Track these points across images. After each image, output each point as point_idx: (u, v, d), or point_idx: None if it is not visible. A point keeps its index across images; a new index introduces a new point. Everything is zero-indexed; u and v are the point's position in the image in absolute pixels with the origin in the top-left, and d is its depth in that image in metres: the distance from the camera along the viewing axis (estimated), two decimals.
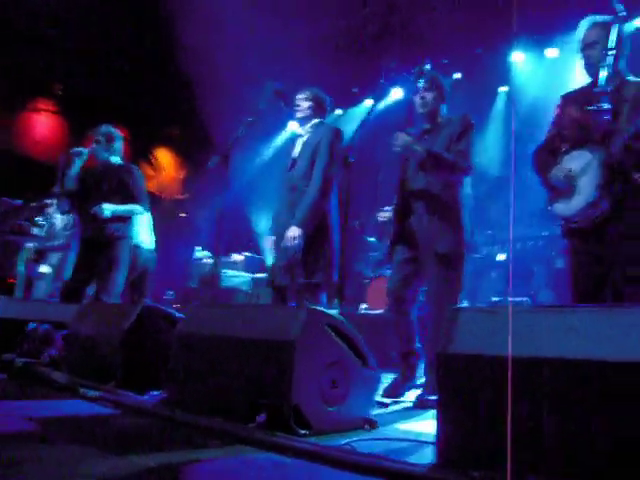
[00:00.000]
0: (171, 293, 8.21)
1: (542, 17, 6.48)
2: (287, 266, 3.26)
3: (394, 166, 3.15)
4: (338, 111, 9.12)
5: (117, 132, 4.50)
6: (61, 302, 4.17)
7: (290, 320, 2.03)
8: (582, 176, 2.49)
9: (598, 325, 1.36)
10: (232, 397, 2.10)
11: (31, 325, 3.34)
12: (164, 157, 10.70)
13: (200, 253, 7.85)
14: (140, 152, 9.95)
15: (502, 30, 6.95)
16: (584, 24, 2.66)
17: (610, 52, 2.20)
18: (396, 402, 2.83)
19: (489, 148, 7.42)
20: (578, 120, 2.62)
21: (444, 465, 1.46)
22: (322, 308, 2.19)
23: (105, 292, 4.06)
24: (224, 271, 7.05)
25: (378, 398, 2.69)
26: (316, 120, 3.52)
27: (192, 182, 10.41)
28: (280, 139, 9.55)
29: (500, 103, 8.01)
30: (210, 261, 7.25)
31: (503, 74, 7.78)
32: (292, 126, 8.53)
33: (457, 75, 7.84)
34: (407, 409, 2.74)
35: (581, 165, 2.50)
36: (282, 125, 9.32)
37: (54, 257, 6.31)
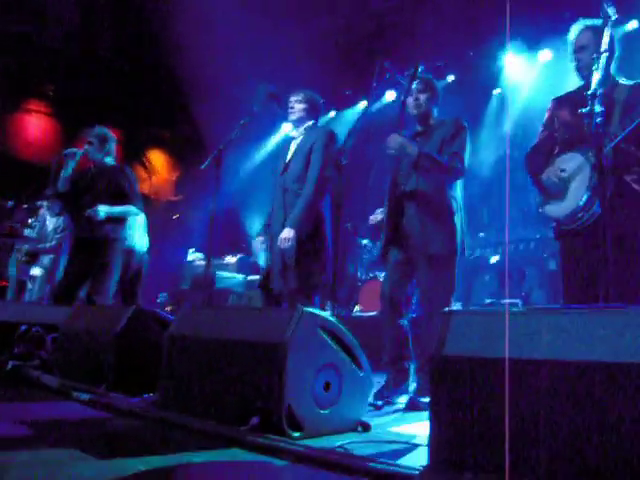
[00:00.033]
0: (164, 295, 8.18)
1: (535, 20, 6.52)
2: (280, 268, 3.26)
3: (386, 168, 3.15)
4: (331, 113, 9.15)
5: (110, 133, 4.48)
6: (52, 304, 4.15)
7: (283, 322, 2.02)
8: (574, 178, 2.51)
9: (591, 327, 1.37)
10: (224, 399, 2.09)
11: (22, 327, 3.31)
12: (157, 159, 10.68)
13: (193, 255, 7.83)
14: (133, 154, 9.93)
15: (495, 33, 6.99)
16: (575, 28, 2.68)
17: (601, 55, 2.22)
18: (389, 405, 2.83)
19: (481, 150, 7.45)
20: (570, 123, 2.63)
21: (437, 467, 1.46)
22: (315, 310, 2.19)
23: (97, 293, 4.05)
24: (217, 273, 7.03)
25: (371, 400, 2.69)
26: (310, 122, 3.53)
27: (185, 184, 10.39)
28: (273, 141, 9.54)
29: (493, 106, 8.04)
30: (203, 263, 7.22)
31: (496, 77, 7.82)
32: (285, 128, 8.54)
33: (450, 77, 7.87)
34: (400, 411, 2.74)
35: (573, 167, 2.52)
36: (275, 127, 9.32)
37: (46, 259, 6.28)
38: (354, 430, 2.12)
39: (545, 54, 7.26)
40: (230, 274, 7.23)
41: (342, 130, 3.23)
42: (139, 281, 5.91)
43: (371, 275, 6.66)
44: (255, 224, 3.60)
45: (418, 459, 1.65)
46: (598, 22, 2.46)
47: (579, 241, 2.49)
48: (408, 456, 1.77)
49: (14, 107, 8.83)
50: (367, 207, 8.90)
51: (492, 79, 7.86)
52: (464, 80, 7.76)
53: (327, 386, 2.05)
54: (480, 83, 7.91)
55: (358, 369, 2.18)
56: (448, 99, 3.55)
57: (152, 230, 6.26)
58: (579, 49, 2.62)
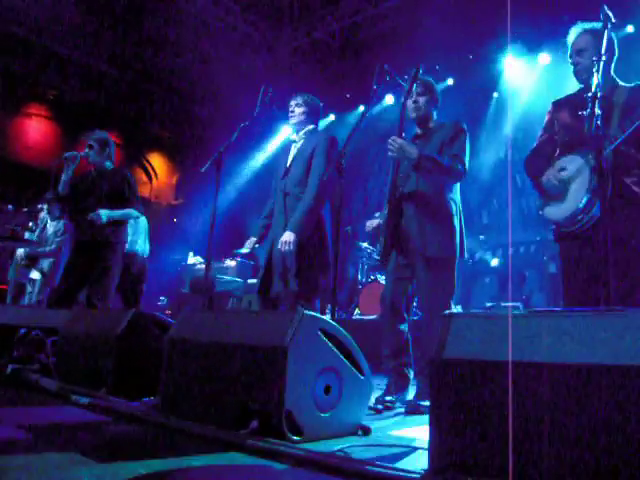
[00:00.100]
0: (163, 299, 8.18)
1: (534, 23, 6.54)
2: (280, 272, 3.25)
3: (385, 171, 3.16)
4: (331, 116, 9.16)
5: (110, 137, 4.50)
6: (50, 307, 4.15)
7: (283, 325, 2.02)
8: (573, 181, 2.51)
9: (592, 329, 1.36)
10: (224, 403, 2.09)
11: (22, 331, 3.31)
12: (157, 162, 10.69)
13: (193, 258, 7.82)
14: (133, 157, 9.95)
15: (495, 36, 7.00)
16: (574, 31, 2.68)
17: (600, 58, 2.22)
18: (389, 409, 2.82)
19: (481, 153, 7.46)
20: (570, 125, 2.64)
21: (438, 471, 1.45)
22: (315, 313, 2.18)
23: (98, 297, 4.05)
24: (217, 276, 7.03)
25: (371, 404, 2.68)
26: (310, 126, 3.53)
27: (185, 187, 10.40)
28: (274, 144, 9.56)
29: (493, 109, 8.06)
30: (203, 266, 7.22)
31: (496, 80, 7.84)
32: (285, 131, 8.55)
33: (450, 80, 7.89)
34: (400, 415, 2.74)
35: (573, 170, 2.52)
36: (276, 130, 9.33)
37: (45, 262, 6.28)
38: (354, 434, 2.11)
39: (545, 57, 7.27)
40: (230, 277, 7.23)
41: (342, 133, 3.23)
42: (140, 285, 5.92)
43: (371, 278, 6.66)
44: (255, 227, 3.60)
45: (419, 463, 1.65)
46: (597, 25, 2.46)
47: (579, 243, 2.49)
48: (408, 460, 1.77)
49: (15, 111, 8.84)
50: (367, 210, 8.91)
51: (492, 82, 7.88)
52: (464, 83, 7.78)
53: (327, 389, 2.05)
54: (480, 86, 7.93)
55: (358, 373, 2.18)
56: (448, 102, 3.56)
57: (152, 233, 6.27)
58: (578, 52, 2.63)
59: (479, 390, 1.44)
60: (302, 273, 3.20)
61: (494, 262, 6.92)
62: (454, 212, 3.04)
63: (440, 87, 3.37)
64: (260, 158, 9.64)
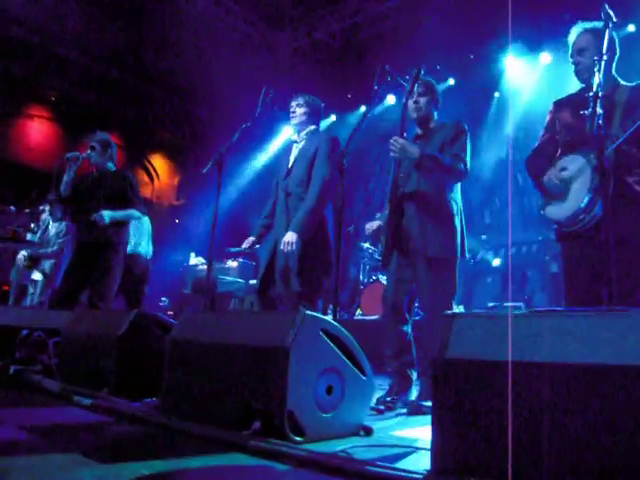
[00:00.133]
0: (165, 300, 8.18)
1: (535, 23, 6.53)
2: (282, 272, 3.25)
3: (386, 170, 3.16)
4: (332, 117, 9.16)
5: (112, 139, 4.51)
6: (52, 308, 4.15)
7: (285, 326, 2.02)
8: (575, 180, 2.51)
9: (594, 329, 1.36)
10: (226, 404, 2.09)
11: (24, 332, 3.31)
12: (159, 163, 10.70)
13: (195, 259, 7.83)
14: (134, 158, 9.95)
15: (496, 36, 7.00)
16: (575, 30, 2.68)
17: (601, 57, 2.22)
18: (391, 409, 2.81)
19: (482, 153, 7.45)
20: (571, 125, 2.63)
21: (440, 472, 1.45)
22: (317, 314, 2.18)
23: (100, 298, 4.05)
24: (219, 277, 7.03)
25: (373, 404, 2.68)
26: (311, 127, 3.53)
27: (187, 188, 10.41)
28: (275, 144, 9.56)
29: (494, 108, 8.05)
30: (204, 267, 7.22)
31: (497, 80, 7.83)
32: (287, 131, 8.56)
33: (451, 81, 7.88)
34: (402, 415, 2.73)
35: (574, 169, 2.52)
36: (277, 130, 9.33)
37: (47, 264, 6.29)
38: (356, 434, 2.11)
39: (546, 57, 7.26)
40: (232, 278, 7.23)
41: (343, 134, 3.23)
42: (143, 286, 5.92)
43: (373, 278, 6.66)
44: (255, 227, 3.61)
45: (421, 463, 1.65)
46: (598, 24, 2.46)
47: (580, 243, 2.49)
48: (411, 460, 1.76)
49: (16, 112, 8.86)
50: (369, 210, 8.91)
51: (493, 82, 7.87)
52: (465, 83, 7.77)
53: (329, 390, 2.05)
54: (481, 86, 7.92)
55: (360, 373, 2.18)
56: (449, 102, 3.56)
57: (154, 234, 6.27)
58: (579, 52, 2.63)
59: (482, 390, 1.43)
60: (304, 273, 3.20)
61: (496, 262, 6.91)
62: (455, 212, 3.04)
63: (441, 87, 3.37)
64: (261, 159, 9.64)
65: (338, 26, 8.69)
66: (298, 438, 1.88)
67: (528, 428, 1.33)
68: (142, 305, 5.78)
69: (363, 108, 8.61)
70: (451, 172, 2.98)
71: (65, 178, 4.19)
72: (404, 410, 2.81)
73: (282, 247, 3.19)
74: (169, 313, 7.26)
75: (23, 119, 8.96)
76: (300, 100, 3.52)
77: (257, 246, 3.56)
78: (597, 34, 2.44)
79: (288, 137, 4.76)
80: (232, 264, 7.36)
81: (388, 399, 2.87)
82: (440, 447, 1.48)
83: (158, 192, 10.53)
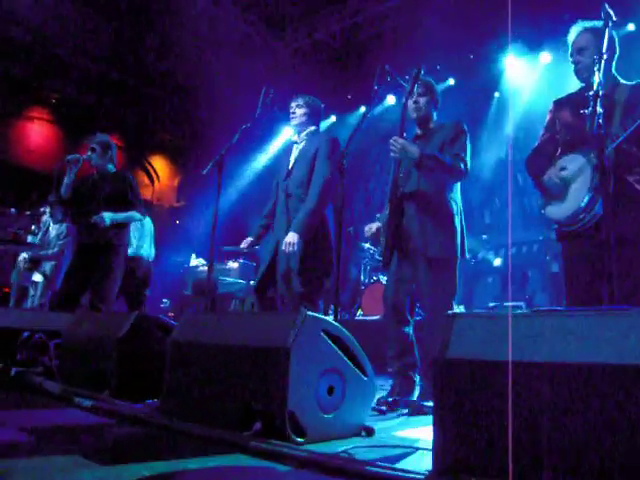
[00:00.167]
0: (166, 301, 8.18)
1: (535, 22, 6.53)
2: (284, 273, 3.25)
3: (386, 171, 3.15)
4: (332, 117, 9.16)
5: (112, 140, 4.51)
6: (53, 310, 4.15)
7: (286, 327, 2.01)
8: (575, 180, 2.51)
9: (596, 329, 1.36)
10: (228, 405, 2.09)
11: (25, 334, 3.31)
12: (159, 165, 10.71)
13: (195, 260, 7.83)
14: (135, 160, 9.96)
15: (496, 36, 7.00)
16: (574, 30, 2.68)
17: (601, 57, 2.22)
18: (392, 410, 2.81)
19: (483, 153, 7.45)
20: (571, 124, 2.63)
21: (442, 472, 1.45)
22: (318, 314, 2.18)
23: (101, 299, 4.06)
24: (220, 278, 7.03)
25: (375, 405, 2.67)
26: (312, 128, 3.53)
27: (187, 189, 10.42)
28: (275, 145, 9.56)
29: (494, 108, 8.05)
30: (205, 268, 7.23)
31: (497, 80, 7.83)
32: (287, 132, 8.56)
33: (451, 80, 7.88)
34: (404, 416, 2.73)
35: (574, 169, 2.52)
36: (277, 131, 9.33)
37: (47, 265, 6.29)
38: (358, 435, 2.11)
39: (546, 56, 7.26)
40: (232, 279, 7.23)
41: (343, 134, 3.23)
42: (145, 289, 5.92)
43: (374, 279, 6.66)
44: (254, 227, 3.61)
45: (423, 464, 1.64)
46: (598, 24, 2.46)
47: (581, 242, 2.49)
48: (412, 461, 1.76)
49: (17, 114, 8.87)
50: (369, 211, 8.91)
51: (493, 82, 7.87)
52: (465, 83, 7.77)
53: (330, 391, 2.05)
54: (481, 86, 7.92)
55: (361, 373, 2.17)
56: (449, 102, 3.56)
57: (155, 236, 6.28)
58: (578, 51, 2.62)
59: (482, 390, 1.43)
60: (306, 274, 3.20)
61: (497, 262, 6.91)
62: (455, 212, 3.04)
63: (441, 87, 3.38)
64: (262, 160, 9.64)
65: (338, 26, 8.68)
66: (299, 439, 1.88)
67: (529, 428, 1.33)
68: (144, 307, 5.78)
69: (363, 108, 8.61)
70: (451, 171, 2.98)
71: (65, 180, 4.18)
72: (405, 410, 2.80)
73: (284, 248, 3.19)
74: (170, 314, 7.26)
75: (23, 121, 8.96)
76: (300, 101, 3.53)
77: (256, 247, 3.56)
78: (597, 33, 2.44)
79: (288, 138, 4.76)
80: (233, 265, 7.36)
81: (390, 399, 2.87)
82: (441, 447, 1.47)
83: (158, 193, 10.54)
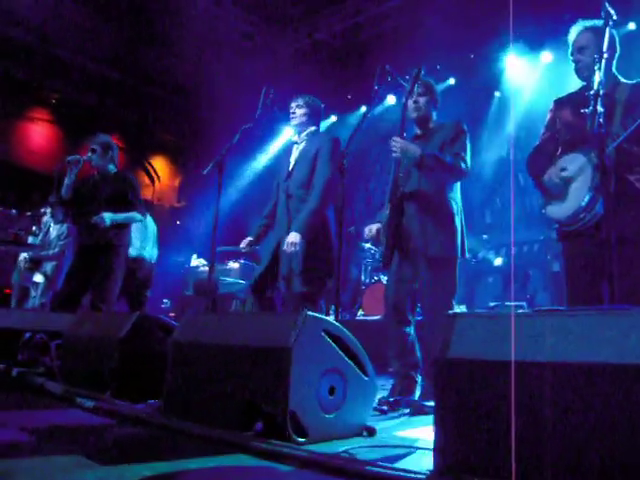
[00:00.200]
0: (167, 301, 8.18)
1: (536, 22, 6.52)
2: (285, 273, 3.25)
3: (386, 170, 3.15)
4: (332, 117, 9.16)
5: (113, 141, 4.51)
6: (54, 310, 4.15)
7: (287, 327, 2.02)
8: (576, 179, 2.50)
9: (597, 328, 1.36)
10: (229, 405, 2.09)
11: (26, 335, 3.32)
12: (159, 165, 10.71)
13: (196, 261, 7.83)
14: (135, 160, 9.96)
15: (496, 35, 6.99)
16: (575, 29, 2.68)
17: (602, 56, 2.21)
18: (393, 409, 2.81)
19: (483, 152, 7.45)
20: (572, 124, 2.63)
21: (443, 472, 1.45)
22: (319, 314, 2.18)
23: (102, 300, 4.06)
24: (221, 278, 7.03)
25: (376, 405, 2.67)
26: (312, 128, 3.53)
27: (187, 190, 10.42)
28: (276, 145, 9.56)
29: (495, 108, 8.04)
30: (206, 268, 7.23)
31: (498, 79, 7.82)
32: (288, 132, 8.56)
33: (452, 80, 7.87)
34: (405, 416, 2.73)
35: (575, 168, 2.51)
36: (277, 131, 9.33)
37: (48, 266, 6.29)
38: (359, 435, 2.11)
39: (547, 55, 7.25)
40: (233, 279, 7.23)
41: (343, 134, 3.23)
42: (146, 290, 5.92)
43: (375, 279, 6.65)
44: (254, 227, 3.61)
45: (424, 464, 1.64)
46: (598, 23, 2.46)
47: (581, 242, 2.49)
48: (414, 461, 1.76)
49: (17, 115, 8.87)
50: (369, 210, 8.90)
51: (494, 81, 7.86)
52: (465, 82, 7.76)
53: (332, 391, 2.05)
54: (482, 85, 7.91)
55: (362, 373, 2.17)
56: (450, 101, 3.56)
57: (158, 237, 6.28)
58: (579, 50, 2.62)
59: (484, 390, 1.43)
60: (307, 274, 3.20)
61: (497, 261, 6.90)
62: (455, 211, 3.04)
63: (442, 87, 3.39)
64: (262, 160, 9.64)
65: (339, 26, 8.68)
66: (300, 439, 1.88)
67: (530, 428, 1.33)
68: (145, 308, 5.78)
69: (363, 108, 8.60)
70: (452, 171, 2.98)
71: (66, 181, 4.19)
72: (407, 410, 2.80)
73: (285, 248, 3.19)
74: (171, 315, 7.26)
75: (24, 122, 8.97)
76: (300, 101, 3.53)
77: (256, 247, 3.56)
78: (597, 32, 2.43)
79: (289, 138, 4.77)
80: (233, 265, 7.36)
81: (391, 399, 2.87)
82: (443, 447, 1.47)
83: (159, 194, 10.54)
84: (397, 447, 1.94)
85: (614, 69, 2.60)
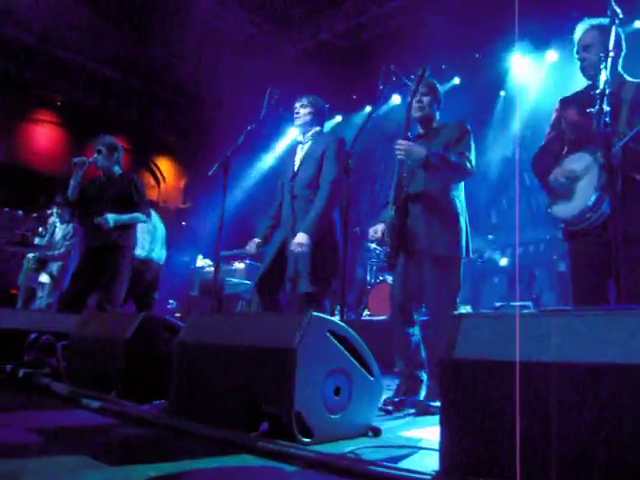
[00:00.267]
0: (173, 302, 8.20)
1: (541, 21, 6.50)
2: (292, 274, 3.25)
3: (391, 171, 3.15)
4: (337, 117, 9.16)
5: (118, 142, 4.53)
6: (60, 311, 4.17)
7: (292, 327, 2.01)
8: (581, 178, 2.49)
9: (603, 328, 1.35)
10: (234, 406, 2.09)
11: (32, 335, 3.33)
12: (165, 166, 10.74)
13: (201, 261, 7.85)
14: (141, 162, 9.99)
15: (501, 34, 6.97)
16: (580, 27, 2.66)
17: (608, 54, 2.20)
18: (399, 409, 2.80)
19: (489, 152, 7.43)
20: (577, 123, 2.62)
21: (449, 472, 1.45)
22: (324, 315, 2.18)
23: (108, 301, 4.07)
24: (226, 279, 7.04)
25: (381, 405, 2.67)
26: (316, 128, 3.53)
27: (193, 191, 10.44)
28: (281, 146, 9.56)
29: (500, 107, 8.02)
30: (211, 269, 7.24)
31: (503, 78, 7.80)
32: (292, 132, 8.56)
33: (457, 80, 7.85)
34: (411, 416, 2.72)
35: (581, 168, 2.50)
36: (282, 132, 9.34)
37: (54, 266, 6.32)
38: (365, 435, 2.11)
39: (552, 54, 7.22)
40: (239, 280, 7.24)
41: (348, 134, 3.23)
42: (154, 292, 5.93)
43: (380, 279, 6.65)
44: (261, 229, 3.61)
45: (429, 464, 1.64)
46: (604, 21, 2.44)
47: (588, 241, 2.47)
48: (419, 461, 1.76)
49: (22, 117, 8.91)
50: (375, 211, 8.89)
51: (499, 80, 7.83)
52: (471, 82, 7.74)
53: (337, 391, 2.05)
54: (487, 84, 7.88)
55: (368, 374, 2.17)
56: (455, 101, 3.55)
57: (167, 239, 6.30)
58: (584, 48, 2.61)
59: (489, 390, 1.43)
60: (314, 274, 3.20)
61: (503, 262, 6.88)
62: (460, 211, 3.04)
63: (447, 86, 3.39)
64: (267, 160, 9.65)
65: (342, 27, 8.67)
66: (306, 439, 1.88)
67: (536, 428, 1.32)
68: (152, 310, 5.78)
69: (368, 108, 8.59)
70: (458, 170, 2.98)
71: (72, 182, 4.21)
72: (412, 410, 2.80)
73: (293, 248, 3.19)
74: (177, 315, 7.27)
75: (29, 124, 9.01)
76: (304, 101, 3.53)
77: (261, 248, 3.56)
78: (603, 30, 2.42)
79: (294, 138, 4.77)
80: (239, 266, 7.37)
81: (396, 399, 2.86)
82: (448, 447, 1.47)
83: (164, 195, 10.57)
84: (403, 447, 1.94)
85: (620, 68, 2.59)
